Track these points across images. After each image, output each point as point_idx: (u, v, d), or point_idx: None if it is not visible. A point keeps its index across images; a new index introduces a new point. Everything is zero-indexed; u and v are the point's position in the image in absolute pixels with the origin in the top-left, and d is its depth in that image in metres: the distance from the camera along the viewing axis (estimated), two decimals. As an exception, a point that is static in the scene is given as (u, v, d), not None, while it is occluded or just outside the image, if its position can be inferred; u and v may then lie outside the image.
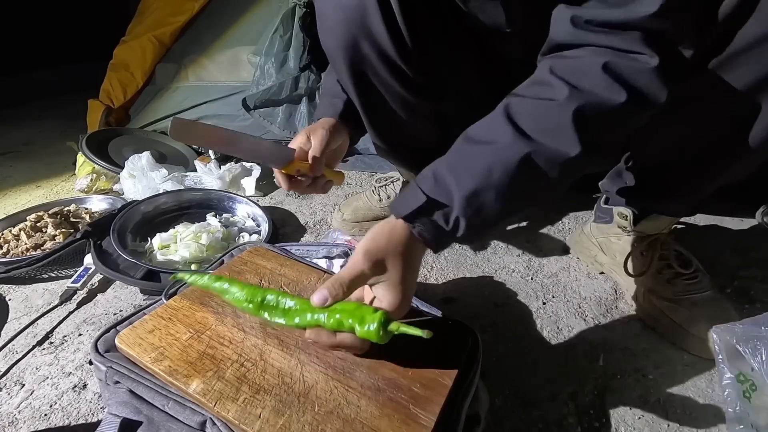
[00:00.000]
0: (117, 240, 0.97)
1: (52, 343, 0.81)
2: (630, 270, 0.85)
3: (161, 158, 1.47)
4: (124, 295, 0.93)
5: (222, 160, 1.45)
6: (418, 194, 0.52)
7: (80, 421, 0.67)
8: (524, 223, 1.12)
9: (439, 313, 0.63)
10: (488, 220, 0.53)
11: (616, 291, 0.90)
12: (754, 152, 0.66)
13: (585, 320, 0.83)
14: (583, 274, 0.95)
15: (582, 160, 0.52)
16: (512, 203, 0.53)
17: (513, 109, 0.54)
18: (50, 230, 1.09)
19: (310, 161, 0.72)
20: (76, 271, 0.95)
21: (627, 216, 0.84)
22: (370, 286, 0.52)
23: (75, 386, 0.72)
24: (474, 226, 0.52)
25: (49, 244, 1.05)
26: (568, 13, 0.54)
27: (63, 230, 1.09)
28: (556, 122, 0.51)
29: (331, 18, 0.71)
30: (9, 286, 0.98)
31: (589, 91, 0.51)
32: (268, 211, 1.16)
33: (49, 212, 1.16)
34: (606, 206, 0.92)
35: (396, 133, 0.92)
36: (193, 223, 1.08)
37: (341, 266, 0.71)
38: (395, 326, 0.47)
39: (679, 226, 1.08)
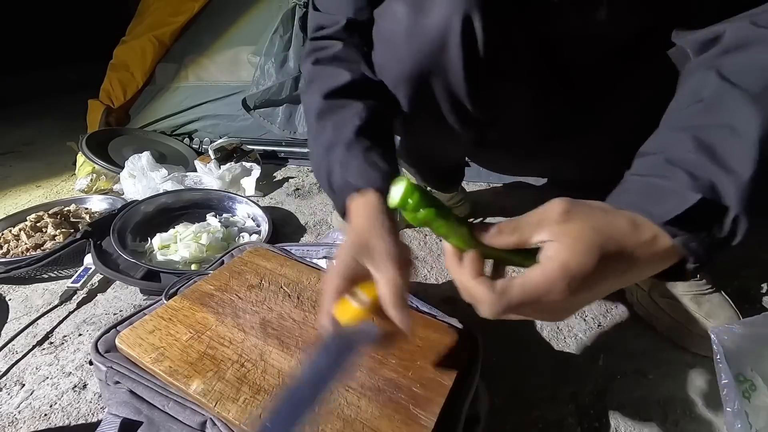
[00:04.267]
0: (117, 240, 0.97)
1: (52, 343, 0.81)
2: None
3: (161, 158, 1.47)
4: (124, 295, 0.93)
5: (222, 160, 1.45)
6: (683, 189, 0.37)
7: (80, 421, 0.67)
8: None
9: (439, 314, 0.63)
10: None
11: (616, 291, 0.90)
12: None
13: (585, 320, 0.83)
14: (583, 274, 0.95)
15: None
16: None
17: (732, 69, 0.43)
18: (50, 230, 1.09)
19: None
20: (76, 271, 0.95)
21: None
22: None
23: (75, 386, 0.72)
24: (754, 228, 0.37)
25: (49, 244, 1.05)
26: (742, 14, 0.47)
27: (63, 230, 1.09)
28: None
29: (401, 47, 0.62)
30: (9, 286, 0.98)
31: None
32: (268, 211, 1.16)
33: (49, 212, 1.16)
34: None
35: (428, 154, 0.91)
36: (193, 223, 1.08)
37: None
38: None
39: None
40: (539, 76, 0.71)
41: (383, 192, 0.51)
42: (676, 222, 0.37)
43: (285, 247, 0.74)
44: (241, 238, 1.08)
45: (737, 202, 0.36)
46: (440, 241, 1.09)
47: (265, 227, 1.11)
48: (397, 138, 0.83)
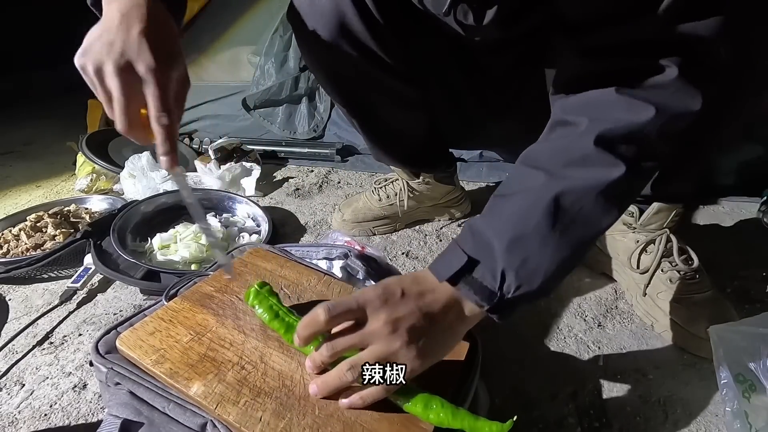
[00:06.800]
0: (117, 240, 0.97)
1: (52, 343, 0.81)
2: (635, 265, 0.84)
3: (161, 158, 1.46)
4: (124, 295, 0.93)
5: (222, 160, 1.45)
6: (459, 254, 0.48)
7: (80, 421, 0.67)
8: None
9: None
10: (540, 270, 0.47)
11: (616, 291, 0.90)
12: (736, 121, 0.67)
13: (585, 320, 0.83)
14: (583, 274, 0.95)
15: (627, 180, 0.48)
16: (562, 248, 0.48)
17: (533, 155, 0.53)
18: (50, 230, 1.09)
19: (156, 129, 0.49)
20: (76, 271, 0.95)
21: (633, 213, 0.84)
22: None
23: (75, 386, 0.72)
24: (526, 278, 0.47)
25: (49, 244, 1.05)
26: (572, 45, 0.53)
27: (63, 230, 1.09)
28: (581, 152, 0.49)
29: (311, 38, 0.75)
30: (9, 286, 0.98)
31: (608, 118, 0.49)
32: (268, 211, 1.16)
33: (49, 212, 1.16)
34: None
35: (387, 131, 0.94)
36: (193, 223, 1.08)
37: (341, 267, 0.71)
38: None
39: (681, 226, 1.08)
40: (447, 39, 0.77)
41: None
42: (457, 278, 0.48)
43: (285, 248, 0.74)
44: (241, 238, 1.08)
45: (501, 259, 0.47)
46: (440, 241, 1.09)
47: (265, 227, 1.11)
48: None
